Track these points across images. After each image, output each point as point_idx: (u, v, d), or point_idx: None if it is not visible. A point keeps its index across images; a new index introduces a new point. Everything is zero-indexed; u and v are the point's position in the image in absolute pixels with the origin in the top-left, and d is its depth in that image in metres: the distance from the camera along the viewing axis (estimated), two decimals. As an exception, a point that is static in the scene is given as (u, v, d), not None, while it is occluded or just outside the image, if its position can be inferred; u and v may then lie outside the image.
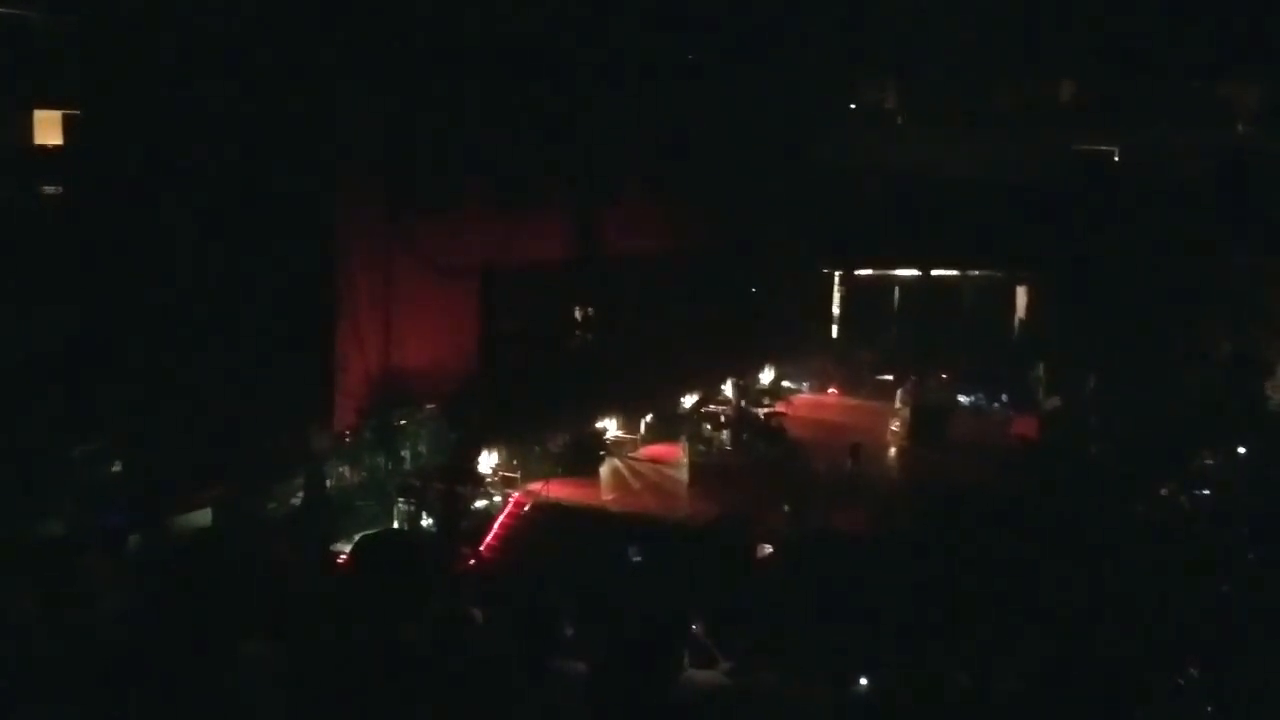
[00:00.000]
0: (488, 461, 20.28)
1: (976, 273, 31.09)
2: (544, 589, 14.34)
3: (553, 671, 8.44)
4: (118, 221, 17.07)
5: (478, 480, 19.62)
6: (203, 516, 16.80)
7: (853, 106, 31.15)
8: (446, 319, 21.21)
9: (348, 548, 17.45)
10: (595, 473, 21.50)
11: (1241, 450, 21.49)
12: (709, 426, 23.39)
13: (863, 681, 10.42)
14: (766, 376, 28.36)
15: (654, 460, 22.74)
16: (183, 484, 16.72)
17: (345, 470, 18.99)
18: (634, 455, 23.01)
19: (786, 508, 18.86)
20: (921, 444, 23.86)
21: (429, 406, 20.19)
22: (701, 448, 22.61)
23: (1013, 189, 28.21)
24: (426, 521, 18.22)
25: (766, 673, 10.61)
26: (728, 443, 23.07)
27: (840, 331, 31.57)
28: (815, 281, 31.12)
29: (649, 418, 24.13)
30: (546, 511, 19.06)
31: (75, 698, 8.05)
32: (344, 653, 8.50)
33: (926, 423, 24.27)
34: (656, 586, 14.80)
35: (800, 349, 29.63)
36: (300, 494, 18.08)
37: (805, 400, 28.20)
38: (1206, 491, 19.67)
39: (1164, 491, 19.36)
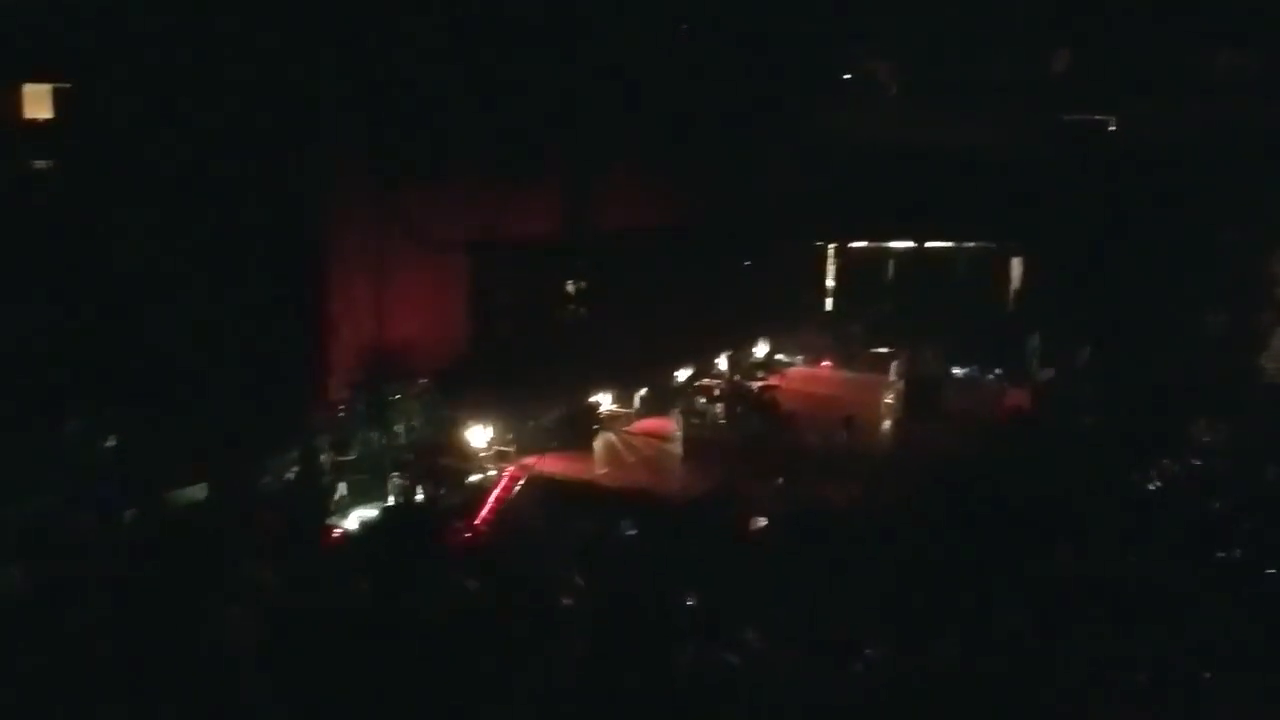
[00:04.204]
0: (482, 436, 20.29)
1: (971, 245, 31.03)
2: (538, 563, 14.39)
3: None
4: (108, 196, 16.97)
5: (471, 455, 19.64)
6: (197, 491, 16.79)
7: (846, 78, 30.99)
8: (439, 293, 21.14)
9: (342, 523, 17.57)
10: (589, 447, 21.52)
11: (1236, 422, 21.51)
12: (702, 400, 23.40)
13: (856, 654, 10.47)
14: (760, 350, 28.36)
15: (648, 434, 22.75)
16: (176, 459, 16.69)
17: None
18: (628, 429, 23.02)
19: (780, 481, 18.87)
20: (915, 417, 23.86)
21: (422, 381, 20.17)
22: (695, 421, 22.61)
23: (1007, 160, 28.11)
24: (419, 496, 18.26)
25: (760, 646, 10.64)
26: (721, 416, 23.08)
27: (834, 304, 31.55)
28: (809, 254, 31.07)
29: (643, 392, 24.13)
30: (540, 486, 19.07)
31: (68, 668, 8.06)
32: (335, 623, 8.52)
33: (920, 395, 24.28)
34: (650, 560, 14.83)
35: (794, 322, 29.62)
36: (294, 469, 18.07)
37: (799, 373, 28.19)
38: (1198, 463, 19.71)
39: (1160, 463, 19.37)
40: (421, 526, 16.91)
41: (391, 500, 18.30)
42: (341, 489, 18.11)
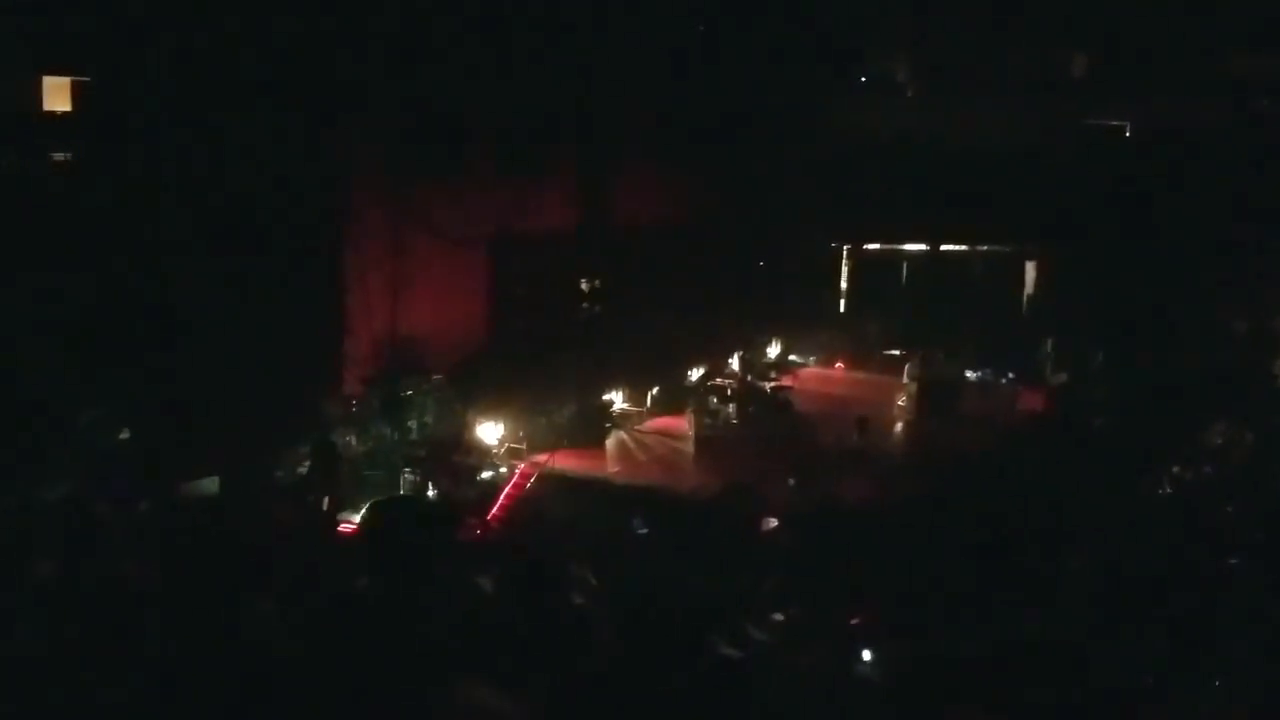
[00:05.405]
0: (494, 433, 20.31)
1: (985, 247, 30.96)
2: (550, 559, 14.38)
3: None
4: (126, 189, 17.04)
5: (483, 451, 19.66)
6: (211, 484, 16.84)
7: (863, 78, 30.95)
8: (453, 289, 21.18)
9: (355, 517, 17.58)
10: (601, 444, 21.53)
11: (1252, 427, 21.41)
12: (715, 399, 23.36)
13: (866, 654, 10.45)
14: (774, 350, 28.32)
15: (660, 433, 22.76)
16: (190, 452, 16.74)
17: (352, 440, 19.01)
18: (640, 427, 23.03)
19: (792, 481, 18.85)
20: (928, 418, 23.82)
21: (436, 377, 20.20)
22: (708, 420, 22.59)
23: (1023, 163, 28.05)
24: (432, 492, 18.27)
25: (772, 645, 10.62)
26: (734, 416, 23.04)
27: (848, 305, 31.49)
28: (823, 255, 31.02)
29: (656, 390, 24.12)
30: (552, 483, 19.08)
31: (87, 659, 8.05)
32: (347, 618, 8.51)
33: (933, 397, 24.21)
34: (661, 559, 14.83)
35: (808, 322, 29.57)
36: (307, 463, 18.11)
37: (812, 374, 28.15)
38: (1209, 469, 19.63)
39: (1173, 468, 19.30)
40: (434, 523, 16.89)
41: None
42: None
